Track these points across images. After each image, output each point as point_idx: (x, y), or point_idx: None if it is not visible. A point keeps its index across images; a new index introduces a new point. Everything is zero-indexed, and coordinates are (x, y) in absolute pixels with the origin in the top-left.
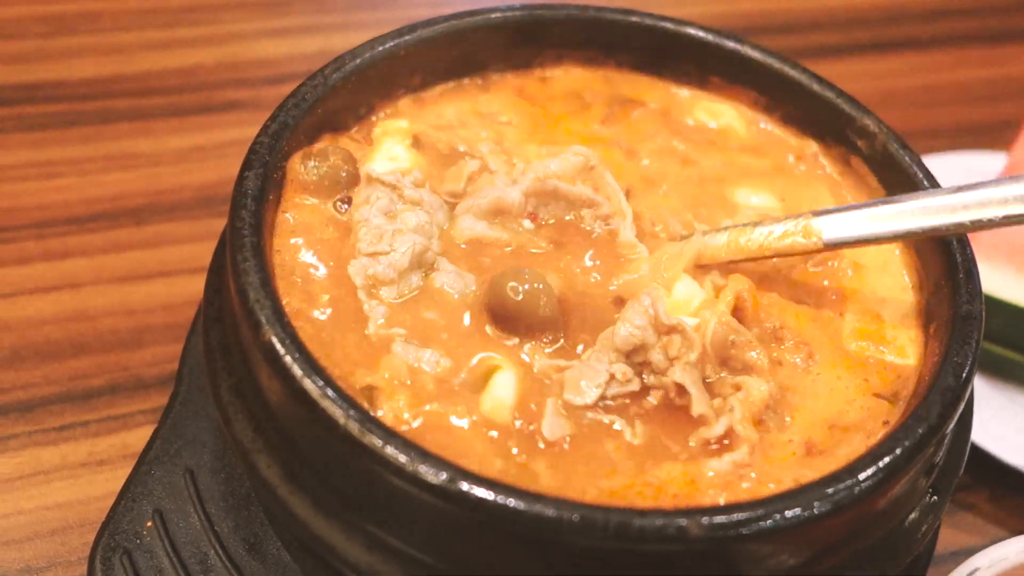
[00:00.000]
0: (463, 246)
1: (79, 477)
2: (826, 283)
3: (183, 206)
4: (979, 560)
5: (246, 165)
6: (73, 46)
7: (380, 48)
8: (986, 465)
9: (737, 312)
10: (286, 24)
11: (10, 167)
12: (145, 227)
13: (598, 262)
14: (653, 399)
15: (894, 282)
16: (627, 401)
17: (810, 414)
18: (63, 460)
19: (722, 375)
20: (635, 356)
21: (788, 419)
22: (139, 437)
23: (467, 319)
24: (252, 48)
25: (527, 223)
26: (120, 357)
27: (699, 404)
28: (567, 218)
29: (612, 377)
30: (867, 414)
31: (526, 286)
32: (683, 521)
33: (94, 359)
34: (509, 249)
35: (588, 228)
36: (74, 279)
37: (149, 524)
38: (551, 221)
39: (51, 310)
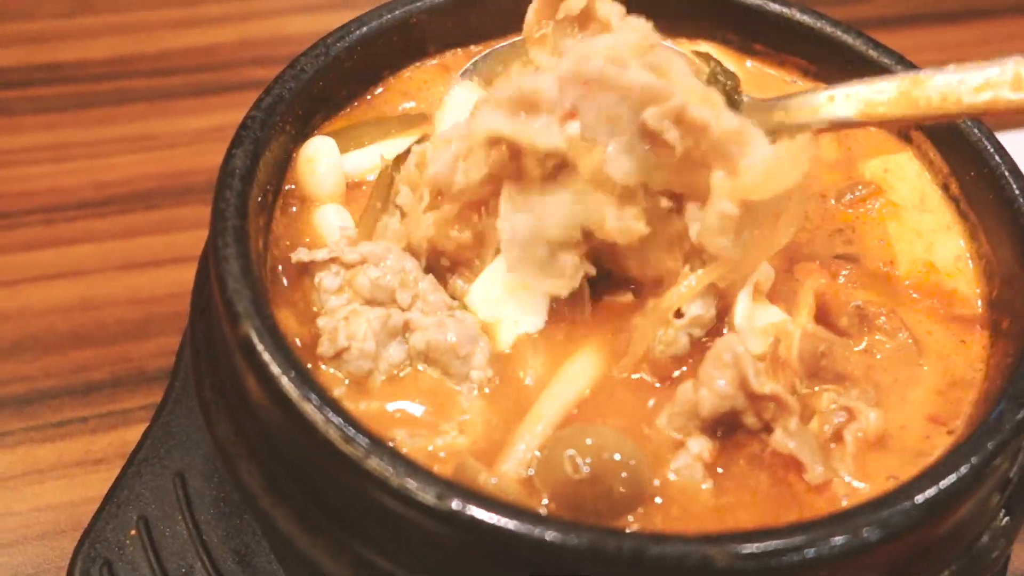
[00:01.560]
0: (481, 156)
1: (74, 477)
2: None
3: (197, 189)
4: None
5: (235, 142)
6: (94, 25)
7: (389, 16)
8: None
9: (820, 311)
10: (312, 1)
11: (23, 150)
12: (156, 211)
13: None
14: (743, 461)
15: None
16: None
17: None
18: (59, 458)
19: (815, 389)
20: (721, 420)
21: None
22: (138, 434)
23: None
24: (277, 25)
25: (570, 126)
26: (124, 348)
27: (816, 471)
28: (620, 117)
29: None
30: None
31: (591, 458)
32: (708, 549)
33: (97, 350)
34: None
35: (665, 137)
36: (81, 266)
37: (133, 532)
38: (599, 128)
39: (55, 299)
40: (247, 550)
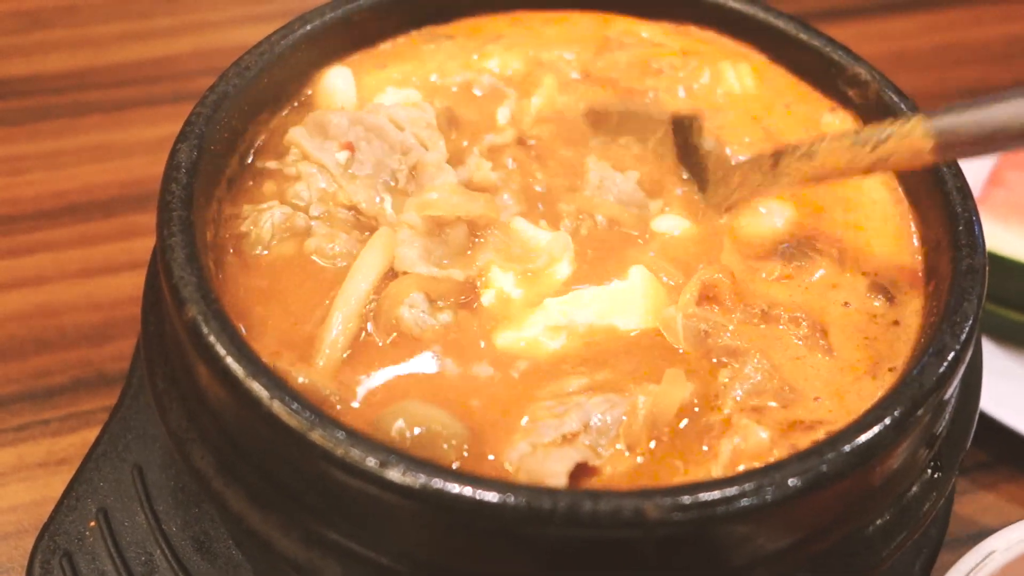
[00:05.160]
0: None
1: (36, 478)
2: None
3: (154, 197)
4: (995, 542)
5: (181, 136)
6: (48, 40)
7: (331, 14)
8: (1007, 441)
9: (712, 302)
10: (264, 11)
11: None
12: (115, 219)
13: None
14: None
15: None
16: None
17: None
18: (21, 460)
19: (713, 361)
20: None
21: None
22: None
23: None
24: (229, 36)
25: (340, 155)
26: (84, 353)
27: None
28: (388, 165)
29: None
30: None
31: (417, 429)
32: (640, 503)
33: (57, 356)
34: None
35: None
36: (39, 275)
37: (93, 524)
38: (367, 169)
39: (14, 307)
40: (206, 537)
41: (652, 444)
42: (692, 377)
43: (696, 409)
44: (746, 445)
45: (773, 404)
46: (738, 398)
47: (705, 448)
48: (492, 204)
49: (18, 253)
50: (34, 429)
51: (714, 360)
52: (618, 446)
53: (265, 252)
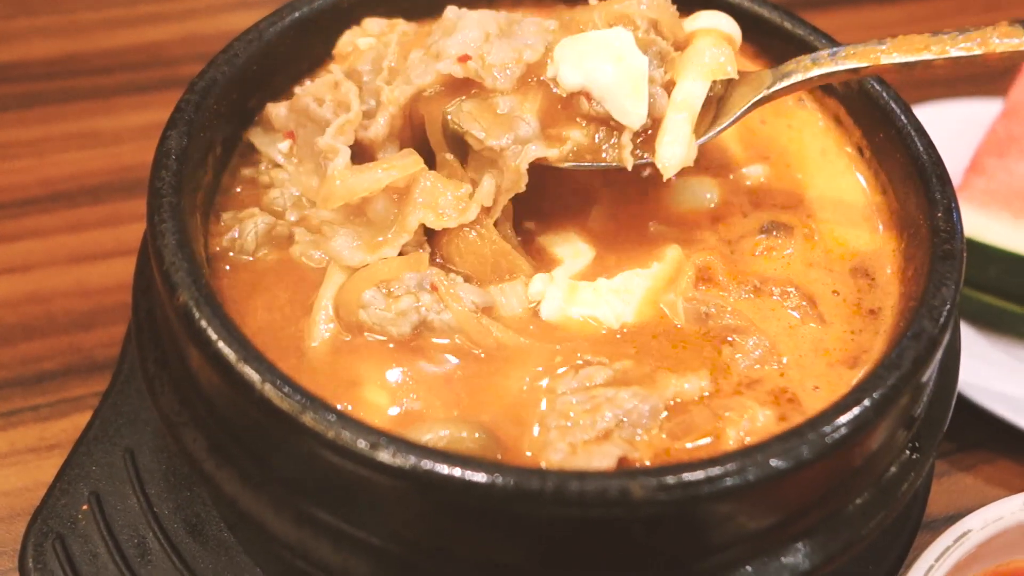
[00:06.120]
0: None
1: (28, 463)
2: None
3: (142, 183)
4: (972, 521)
5: (170, 123)
6: (34, 26)
7: (320, 2)
8: (986, 423)
9: (707, 283)
10: None
11: None
12: (103, 205)
13: None
14: None
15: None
16: None
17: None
18: (11, 446)
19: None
20: None
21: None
22: None
23: None
24: (216, 22)
25: (282, 144)
26: (74, 339)
27: None
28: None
29: None
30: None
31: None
32: (625, 482)
33: (46, 342)
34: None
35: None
36: (27, 261)
37: (85, 507)
38: (307, 154)
39: (2, 294)
40: (198, 520)
41: (680, 432)
42: (701, 361)
43: (706, 394)
44: (752, 426)
45: (769, 370)
46: (743, 370)
47: (718, 423)
48: (408, 160)
49: (6, 239)
50: (24, 415)
51: (726, 338)
52: (644, 436)
53: (250, 259)
